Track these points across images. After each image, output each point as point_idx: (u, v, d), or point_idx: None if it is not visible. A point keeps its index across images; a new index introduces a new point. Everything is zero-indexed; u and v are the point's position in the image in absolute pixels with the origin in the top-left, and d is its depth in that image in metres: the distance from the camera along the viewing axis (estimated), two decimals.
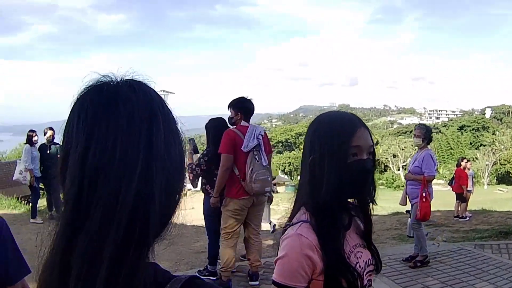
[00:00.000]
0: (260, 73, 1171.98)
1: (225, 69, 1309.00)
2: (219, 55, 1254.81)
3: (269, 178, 6.25)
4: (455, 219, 14.08)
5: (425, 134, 7.63)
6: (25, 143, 12.07)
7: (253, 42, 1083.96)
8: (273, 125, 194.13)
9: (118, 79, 0.96)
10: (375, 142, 1.95)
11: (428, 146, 7.78)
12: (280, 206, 20.77)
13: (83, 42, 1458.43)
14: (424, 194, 7.31)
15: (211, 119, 7.18)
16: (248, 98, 6.60)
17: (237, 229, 6.40)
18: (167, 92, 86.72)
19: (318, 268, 1.63)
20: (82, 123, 0.89)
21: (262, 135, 6.28)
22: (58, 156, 0.94)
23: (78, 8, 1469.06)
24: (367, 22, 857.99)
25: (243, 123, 6.33)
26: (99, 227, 0.84)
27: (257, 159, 6.11)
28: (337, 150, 1.69)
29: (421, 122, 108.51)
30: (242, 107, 6.44)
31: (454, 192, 15.50)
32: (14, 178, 11.87)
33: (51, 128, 12.41)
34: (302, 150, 2.02)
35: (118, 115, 0.88)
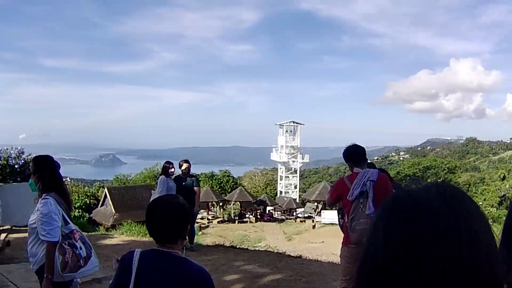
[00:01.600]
0: (387, 106, 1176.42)
1: (352, 101, 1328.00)
2: (347, 87, 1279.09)
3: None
4: None
5: None
6: (160, 174, 12.21)
7: (380, 73, 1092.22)
8: (401, 158, 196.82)
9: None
10: (501, 176, 1.19)
11: None
12: None
13: (210, 71, 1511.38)
14: None
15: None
16: (354, 144, 6.71)
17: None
18: (297, 123, 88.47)
19: None
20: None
21: (373, 180, 6.10)
22: (194, 188, 1.01)
23: (206, 38, 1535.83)
24: (492, 52, 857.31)
25: (355, 169, 6.37)
26: None
27: (362, 207, 6.02)
28: None
29: None
30: (349, 157, 6.58)
31: None
32: None
33: (187, 161, 12.59)
34: None
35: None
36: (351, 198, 6.06)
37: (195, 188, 12.21)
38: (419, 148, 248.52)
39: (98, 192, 55.41)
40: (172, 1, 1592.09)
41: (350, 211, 6.12)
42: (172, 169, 12.05)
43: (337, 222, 7.86)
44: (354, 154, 6.58)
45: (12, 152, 14.73)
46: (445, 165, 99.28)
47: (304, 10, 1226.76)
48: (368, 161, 7.13)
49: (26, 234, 5.33)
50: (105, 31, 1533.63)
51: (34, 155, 6.29)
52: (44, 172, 5.05)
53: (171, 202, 3.06)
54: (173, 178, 12.11)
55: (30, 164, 5.44)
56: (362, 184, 6.05)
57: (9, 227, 12.96)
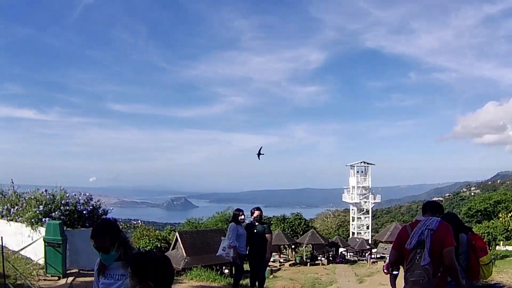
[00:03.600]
0: (456, 140, 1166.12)
1: (421, 137, 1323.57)
2: (415, 124, 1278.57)
3: (424, 280, 5.56)
4: None
5: None
6: (230, 221, 12.30)
7: (447, 108, 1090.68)
8: (472, 193, 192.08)
9: None
10: None
11: None
12: (481, 281, 18.76)
13: (279, 113, 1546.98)
14: None
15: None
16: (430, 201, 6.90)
17: None
18: (367, 163, 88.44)
19: None
20: None
21: (431, 229, 5.69)
22: (266, 235, 1.00)
23: (273, 81, 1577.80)
24: None
25: (418, 217, 6.19)
26: None
27: (418, 258, 5.67)
28: None
29: None
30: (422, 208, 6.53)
31: None
32: (217, 254, 12.22)
33: (258, 209, 12.50)
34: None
35: None
36: (408, 247, 5.77)
37: (266, 235, 12.06)
38: (489, 182, 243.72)
39: (169, 235, 55.91)
40: (239, 45, 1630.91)
41: (407, 262, 5.82)
42: (242, 216, 12.16)
43: None
44: (423, 206, 6.58)
45: (80, 198, 14.75)
46: None
47: (370, 49, 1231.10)
48: (447, 211, 7.07)
49: (92, 278, 5.21)
50: (173, 76, 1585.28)
51: (105, 220, 5.26)
52: (122, 238, 4.65)
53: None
54: (244, 225, 12.26)
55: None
56: (420, 233, 5.74)
57: (76, 270, 12.94)
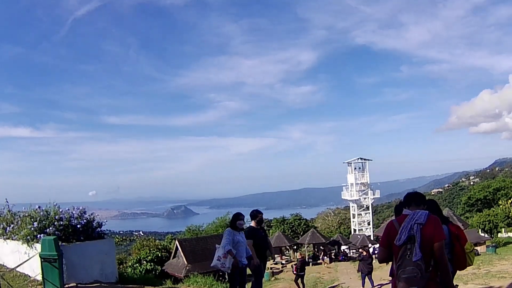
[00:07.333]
0: (452, 131, 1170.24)
1: (417, 130, 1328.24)
2: (410, 117, 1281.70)
3: (417, 276, 5.43)
4: None
5: None
6: (228, 226, 11.30)
7: (442, 99, 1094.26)
8: (471, 183, 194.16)
9: None
10: None
11: None
12: (482, 269, 18.94)
13: (274, 116, 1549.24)
14: None
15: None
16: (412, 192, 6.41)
17: None
18: (365, 159, 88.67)
19: None
20: None
21: (420, 223, 5.59)
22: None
23: (266, 84, 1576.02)
24: None
25: (405, 211, 6.02)
26: None
27: (409, 253, 5.53)
28: None
29: None
30: (404, 203, 6.28)
31: None
32: (212, 264, 10.71)
33: (260, 212, 11.69)
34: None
35: None
36: (398, 243, 5.65)
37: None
38: (487, 170, 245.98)
39: (170, 244, 55.93)
40: (229, 49, 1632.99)
41: (397, 258, 5.69)
42: (242, 222, 10.85)
43: None
44: (405, 199, 6.29)
45: (74, 212, 14.78)
46: None
47: (360, 45, 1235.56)
48: (428, 198, 6.82)
49: None
50: (165, 85, 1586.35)
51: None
52: None
53: None
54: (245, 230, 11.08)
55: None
56: (409, 228, 5.63)
57: (74, 284, 12.99)
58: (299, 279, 26.43)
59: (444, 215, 7.47)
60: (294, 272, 26.95)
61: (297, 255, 32.87)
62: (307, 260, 54.42)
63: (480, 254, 35.93)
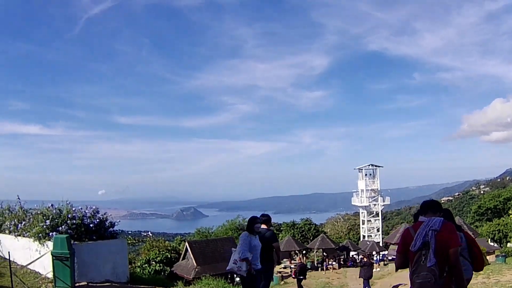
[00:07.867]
0: (464, 139, 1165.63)
1: (428, 137, 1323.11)
2: (422, 124, 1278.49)
3: (431, 281, 5.51)
4: None
5: None
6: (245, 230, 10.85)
7: (454, 107, 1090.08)
8: (481, 192, 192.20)
9: None
10: None
11: None
12: (491, 279, 18.80)
13: (286, 120, 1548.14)
14: None
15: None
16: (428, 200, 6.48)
17: None
18: (375, 166, 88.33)
19: None
20: None
21: (435, 230, 5.66)
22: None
23: (278, 87, 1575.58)
24: None
25: (420, 218, 6.14)
26: None
27: (423, 259, 5.61)
28: None
29: None
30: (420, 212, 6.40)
31: None
32: (227, 268, 10.24)
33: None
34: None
35: None
36: (413, 249, 5.73)
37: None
38: (498, 179, 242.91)
39: (179, 245, 55.89)
40: (242, 53, 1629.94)
41: (412, 264, 5.78)
42: (258, 225, 10.45)
43: None
44: (422, 206, 6.38)
45: (87, 211, 14.80)
46: None
47: (373, 51, 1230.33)
48: (444, 208, 6.87)
49: None
50: (178, 86, 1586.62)
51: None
52: None
53: None
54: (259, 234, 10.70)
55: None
56: (424, 235, 5.72)
57: (85, 283, 12.98)
58: (299, 282, 27.00)
59: (456, 223, 7.52)
60: (293, 276, 27.32)
61: (296, 259, 33.00)
62: (315, 265, 54.45)
63: (489, 264, 35.65)
